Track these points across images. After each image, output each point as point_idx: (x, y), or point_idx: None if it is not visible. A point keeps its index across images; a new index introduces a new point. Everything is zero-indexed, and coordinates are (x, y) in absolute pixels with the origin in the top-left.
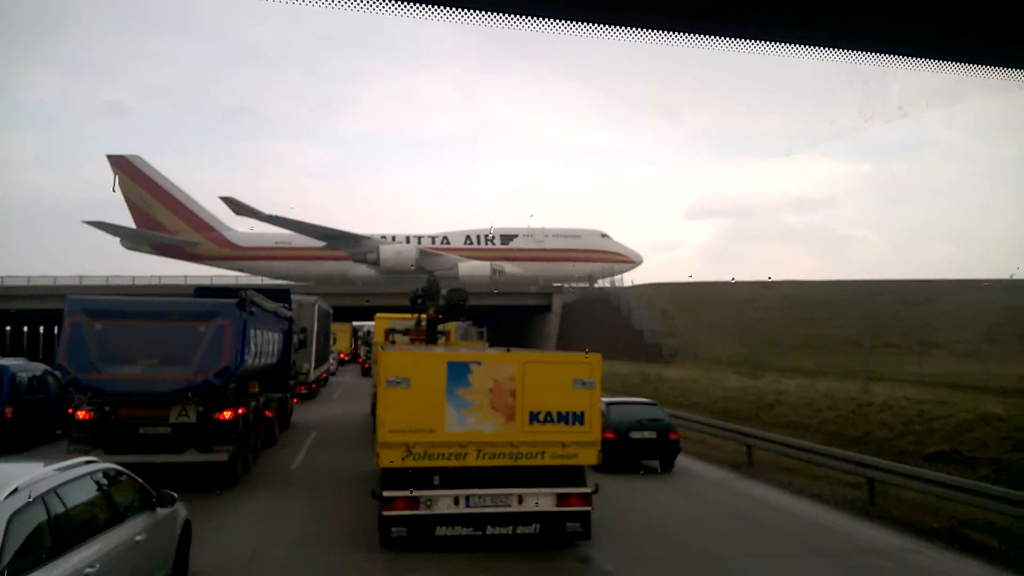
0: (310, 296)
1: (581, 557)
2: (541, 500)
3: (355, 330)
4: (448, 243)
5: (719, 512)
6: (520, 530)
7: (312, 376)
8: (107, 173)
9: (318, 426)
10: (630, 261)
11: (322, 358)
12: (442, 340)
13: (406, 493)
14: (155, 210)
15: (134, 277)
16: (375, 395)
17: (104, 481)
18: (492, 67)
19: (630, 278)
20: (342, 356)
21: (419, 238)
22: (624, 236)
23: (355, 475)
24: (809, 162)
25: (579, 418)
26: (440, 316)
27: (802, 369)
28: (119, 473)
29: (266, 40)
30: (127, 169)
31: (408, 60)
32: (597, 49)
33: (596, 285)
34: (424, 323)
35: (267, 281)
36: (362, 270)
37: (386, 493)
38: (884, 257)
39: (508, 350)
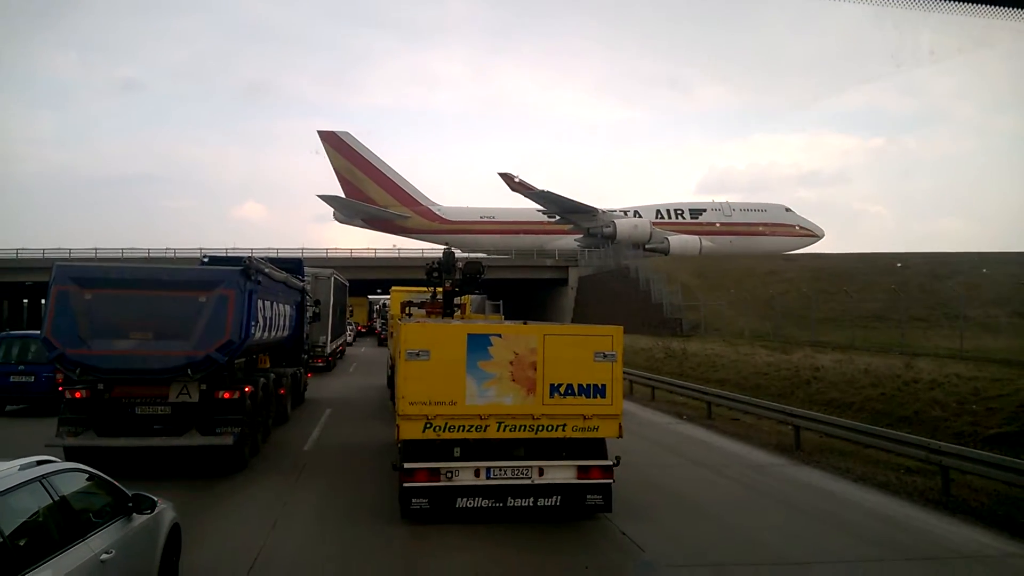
0: (326, 269)
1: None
2: (562, 472)
3: (371, 303)
4: (640, 217)
5: (777, 504)
6: (541, 502)
7: (329, 349)
8: (123, 148)
9: (334, 401)
10: (814, 235)
11: (339, 331)
12: (457, 313)
13: (427, 465)
14: (364, 184)
15: (149, 250)
16: (392, 367)
17: (60, 486)
18: (503, 44)
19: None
20: (360, 328)
21: (612, 212)
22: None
23: (373, 451)
24: (821, 137)
25: (600, 391)
26: (456, 289)
27: (832, 343)
28: (84, 474)
29: (275, 17)
30: (337, 144)
31: (418, 36)
32: (608, 22)
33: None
34: (440, 296)
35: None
36: (562, 243)
37: (407, 465)
38: (895, 230)
39: (525, 323)
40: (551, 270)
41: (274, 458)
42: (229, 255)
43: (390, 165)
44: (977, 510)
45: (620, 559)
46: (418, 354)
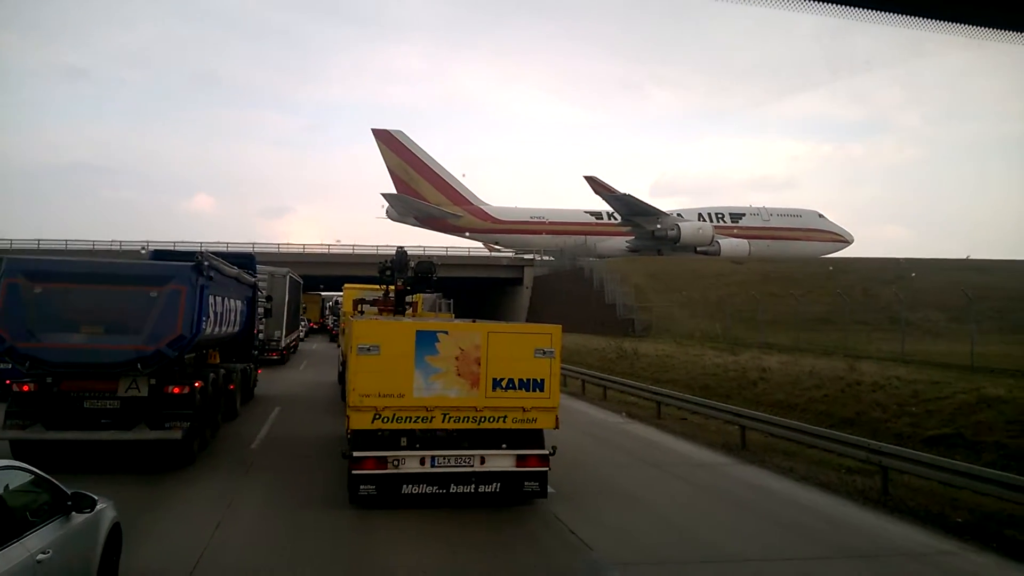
0: (282, 268)
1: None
2: (502, 461)
3: (324, 300)
4: (682, 219)
5: (723, 503)
6: (482, 488)
7: (284, 343)
8: (65, 135)
9: (284, 397)
10: (845, 240)
11: (293, 326)
12: (409, 311)
13: (375, 453)
14: (417, 183)
15: (94, 242)
16: (343, 363)
17: None
18: (459, 41)
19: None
20: (312, 325)
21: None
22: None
23: (322, 445)
24: (772, 142)
25: (539, 385)
26: (408, 288)
27: (779, 346)
28: (22, 472)
29: (230, 5)
30: (390, 143)
31: (376, 30)
32: (565, 23)
33: (568, 258)
34: (392, 294)
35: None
36: (608, 245)
37: (356, 454)
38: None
39: (474, 321)
40: (506, 269)
41: (223, 454)
42: (176, 249)
43: (442, 165)
44: (914, 509)
45: (569, 558)
46: (369, 349)
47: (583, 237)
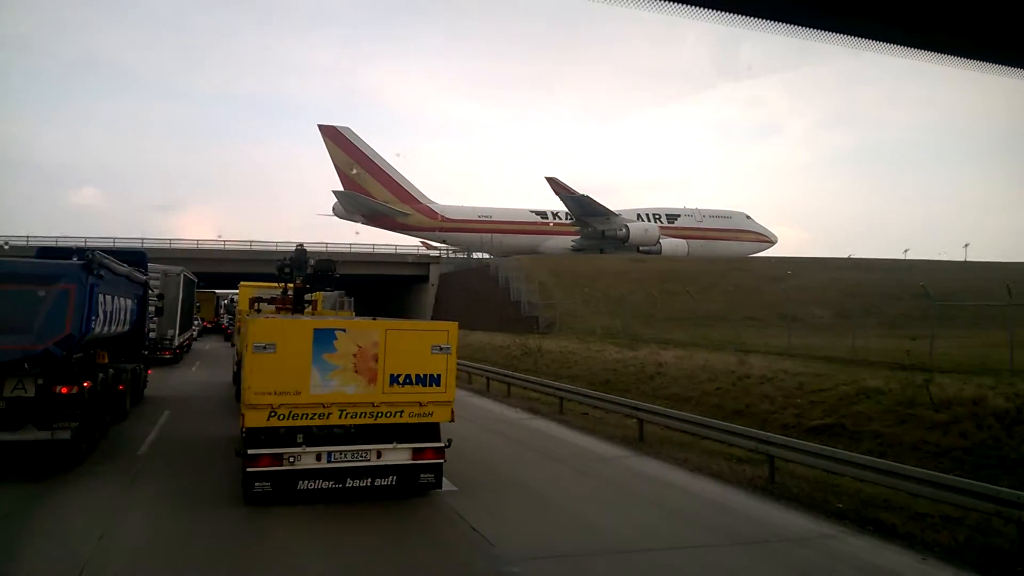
0: (176, 267)
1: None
2: (398, 454)
3: (219, 298)
4: (630, 220)
5: (621, 494)
6: (378, 482)
7: (177, 342)
8: None
9: (177, 397)
10: (770, 241)
11: (186, 325)
12: (308, 309)
13: (270, 451)
14: (364, 180)
15: None
16: (238, 363)
17: None
18: (369, 35)
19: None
20: (205, 324)
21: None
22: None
23: (214, 445)
24: (668, 143)
25: (436, 380)
26: (308, 286)
27: (676, 341)
28: None
29: None
30: (337, 139)
31: (282, 21)
32: (475, 23)
33: (475, 256)
34: (291, 292)
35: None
36: (552, 244)
37: (250, 451)
38: None
39: (374, 319)
40: (412, 267)
41: (111, 457)
42: (59, 246)
43: (389, 162)
44: (799, 496)
45: (470, 555)
46: (265, 347)
47: (529, 236)
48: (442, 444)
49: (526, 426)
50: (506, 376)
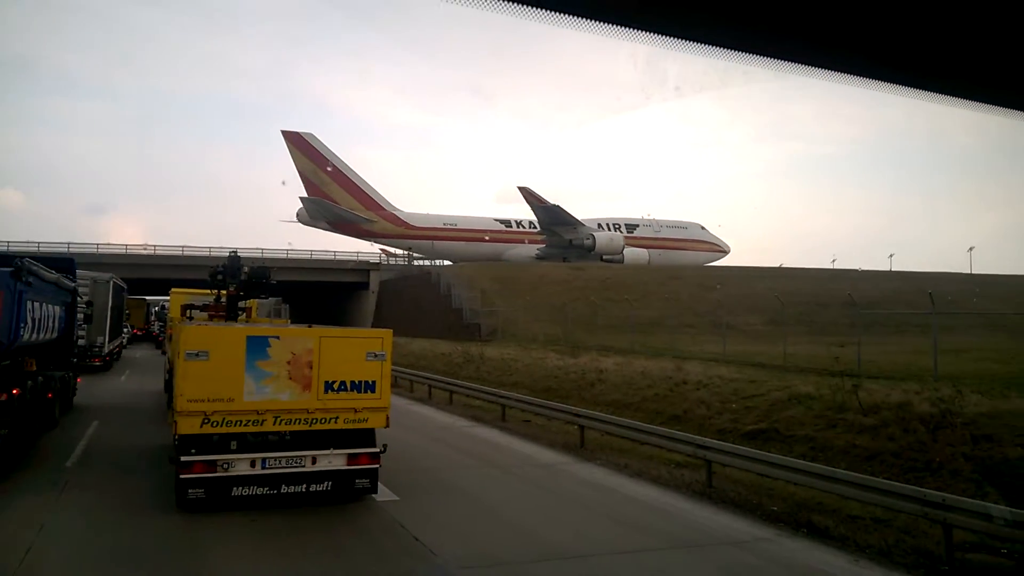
0: (105, 274)
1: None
2: (333, 460)
3: (149, 305)
4: (595, 230)
5: (563, 501)
6: (313, 488)
7: (106, 349)
8: None
9: (106, 405)
10: (723, 251)
11: (116, 332)
12: (243, 317)
13: (204, 457)
14: (329, 187)
15: None
16: (170, 371)
17: None
18: (307, 37)
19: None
20: (135, 331)
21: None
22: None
23: (145, 457)
24: (605, 158)
25: (371, 387)
26: (241, 293)
27: (616, 348)
28: None
29: None
30: (301, 145)
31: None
32: (416, 30)
33: (415, 263)
34: (224, 299)
35: (327, 258)
36: (516, 252)
37: (183, 458)
38: None
39: (309, 326)
40: (352, 273)
41: (39, 467)
42: None
43: (354, 169)
44: (735, 499)
45: (412, 564)
46: (197, 354)
47: (493, 244)
48: (377, 450)
49: (468, 434)
50: (448, 384)
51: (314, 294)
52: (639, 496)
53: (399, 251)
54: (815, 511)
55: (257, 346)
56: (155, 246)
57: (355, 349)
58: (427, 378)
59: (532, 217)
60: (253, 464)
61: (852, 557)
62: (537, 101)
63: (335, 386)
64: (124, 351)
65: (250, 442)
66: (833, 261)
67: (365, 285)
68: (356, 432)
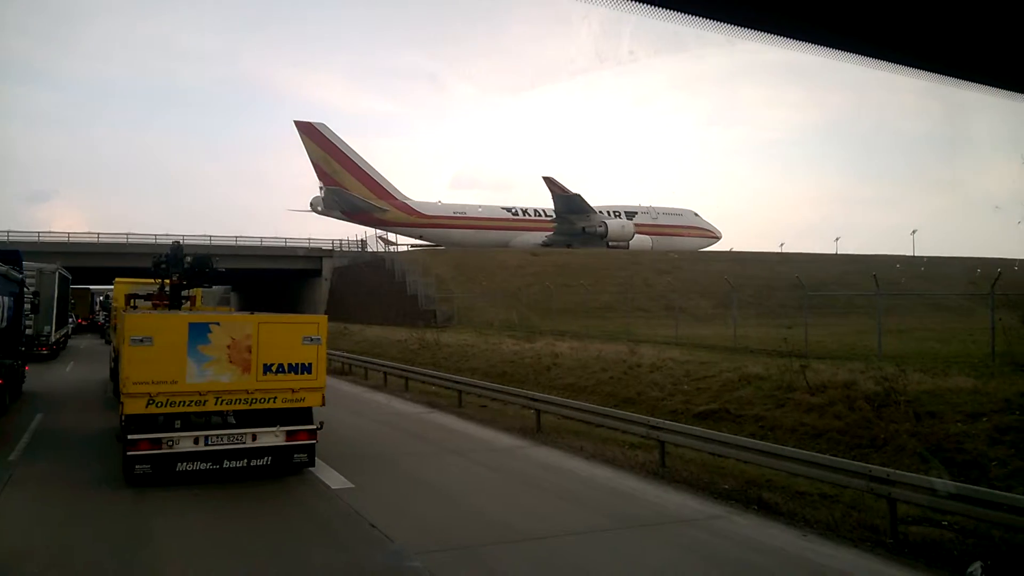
0: (51, 264)
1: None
2: (272, 437)
3: (94, 294)
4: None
5: (519, 484)
6: (254, 462)
7: (53, 339)
8: None
9: (54, 392)
10: (715, 236)
11: (62, 321)
12: (187, 305)
13: (150, 435)
14: (341, 176)
15: None
16: (115, 359)
17: None
18: (251, 20)
19: (405, 244)
20: (80, 321)
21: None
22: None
23: (92, 441)
24: (561, 143)
25: (307, 368)
26: (184, 282)
27: (571, 332)
28: None
29: None
30: (314, 135)
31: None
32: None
33: (369, 249)
34: (168, 288)
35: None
36: (522, 240)
37: (130, 436)
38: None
39: (252, 313)
40: (304, 260)
41: None
42: None
43: (364, 159)
44: (688, 479)
45: (369, 551)
46: (142, 340)
47: (501, 232)
48: (314, 427)
49: (425, 420)
50: (404, 370)
51: (267, 282)
52: (595, 477)
53: (401, 239)
54: (765, 488)
55: (198, 332)
56: (99, 233)
57: (292, 334)
58: (382, 365)
59: (535, 205)
60: (196, 441)
61: (800, 532)
62: (489, 85)
63: (273, 368)
64: (69, 341)
65: (194, 422)
66: (782, 245)
67: (318, 272)
68: (294, 410)
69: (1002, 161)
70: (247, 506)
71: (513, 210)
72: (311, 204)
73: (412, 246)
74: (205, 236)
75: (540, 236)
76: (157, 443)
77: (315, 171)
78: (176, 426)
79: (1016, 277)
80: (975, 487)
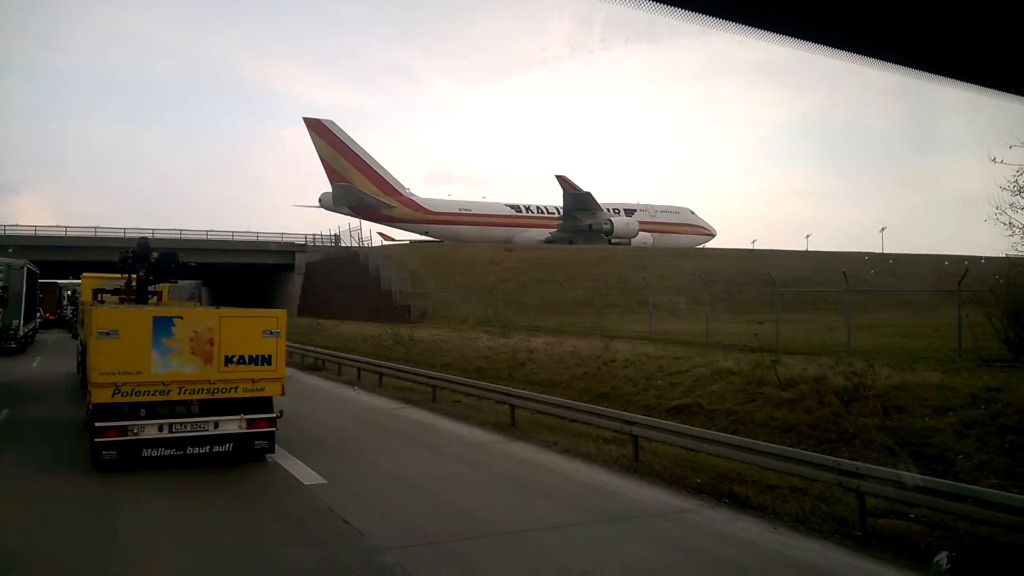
0: (19, 260)
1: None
2: (234, 425)
3: (61, 289)
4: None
5: (493, 479)
6: (216, 449)
7: (22, 332)
8: None
9: (21, 385)
10: (711, 233)
11: (30, 316)
12: (153, 300)
13: (116, 423)
14: (349, 173)
15: None
16: (83, 352)
17: None
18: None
19: (379, 239)
20: (48, 316)
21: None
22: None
23: (60, 433)
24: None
25: (267, 360)
26: (150, 277)
27: (545, 328)
28: None
29: None
30: (322, 132)
31: None
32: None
33: (343, 244)
34: (135, 283)
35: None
36: (526, 236)
37: (98, 424)
38: None
39: (218, 307)
40: (276, 255)
41: None
42: None
43: (372, 155)
44: (661, 473)
45: (342, 547)
46: (108, 333)
47: (506, 228)
48: (274, 415)
49: (399, 416)
50: (378, 366)
51: (239, 277)
52: (569, 472)
53: (418, 235)
54: (736, 482)
55: (162, 325)
56: (67, 227)
57: (252, 327)
58: (356, 360)
59: (537, 202)
60: (161, 428)
61: (771, 525)
62: (462, 78)
63: (234, 360)
64: (37, 335)
65: (158, 411)
66: (754, 242)
67: (291, 267)
68: (255, 400)
69: (968, 158)
70: (223, 505)
71: (518, 207)
72: (319, 200)
73: (411, 242)
74: (175, 230)
75: (544, 232)
76: (123, 430)
77: (323, 167)
78: (141, 414)
79: (982, 273)
80: (941, 480)
